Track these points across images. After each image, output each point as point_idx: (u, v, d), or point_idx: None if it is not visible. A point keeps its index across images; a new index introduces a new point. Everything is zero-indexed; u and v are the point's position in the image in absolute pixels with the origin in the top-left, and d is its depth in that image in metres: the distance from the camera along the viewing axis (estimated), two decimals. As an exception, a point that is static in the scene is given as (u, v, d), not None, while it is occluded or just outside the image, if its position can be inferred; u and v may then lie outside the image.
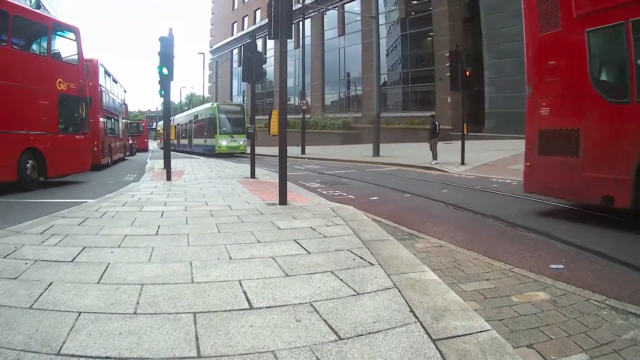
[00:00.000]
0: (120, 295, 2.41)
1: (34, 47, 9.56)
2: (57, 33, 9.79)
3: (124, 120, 22.71)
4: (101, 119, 15.31)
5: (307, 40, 31.60)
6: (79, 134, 10.45)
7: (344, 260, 3.16)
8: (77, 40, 10.28)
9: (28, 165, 8.44)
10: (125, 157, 22.72)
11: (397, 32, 30.57)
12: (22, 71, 8.36)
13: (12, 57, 8.16)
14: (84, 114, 10.52)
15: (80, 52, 10.38)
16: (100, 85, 15.43)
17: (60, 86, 9.49)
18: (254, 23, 42.85)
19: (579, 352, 2.11)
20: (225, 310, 2.24)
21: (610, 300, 2.71)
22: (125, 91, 23.31)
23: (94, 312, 2.17)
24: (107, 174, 13.23)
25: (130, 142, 26.74)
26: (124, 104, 23.10)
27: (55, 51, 9.65)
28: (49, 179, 9.29)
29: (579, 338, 2.24)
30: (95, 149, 13.82)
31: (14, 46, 8.27)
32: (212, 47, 53.52)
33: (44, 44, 9.47)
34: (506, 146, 17.12)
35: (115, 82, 19.66)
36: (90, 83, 13.22)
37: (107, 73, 17.10)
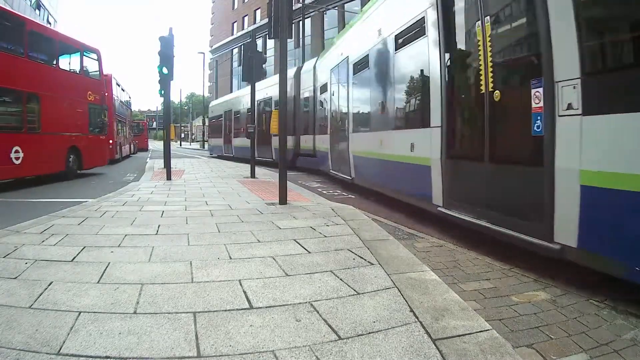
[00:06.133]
0: (120, 295, 2.41)
1: (72, 66, 11.82)
2: (85, 54, 12.16)
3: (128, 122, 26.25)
4: (114, 123, 18.38)
5: (307, 40, 31.54)
6: (102, 135, 13.12)
7: (343, 259, 3.16)
8: (99, 59, 12.80)
9: (70, 159, 10.93)
10: (131, 155, 25.59)
11: (398, 32, 30.41)
12: (65, 86, 10.82)
13: (59, 76, 10.72)
14: (105, 119, 13.36)
15: (101, 69, 12.99)
16: (114, 95, 18.59)
17: (89, 97, 12.12)
18: (254, 23, 42.80)
19: (579, 352, 2.11)
20: (225, 310, 2.24)
21: (610, 301, 2.71)
22: (130, 97, 26.83)
23: (94, 312, 2.17)
24: (107, 174, 13.24)
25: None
26: (129, 108, 26.96)
27: (86, 69, 12.20)
28: (84, 170, 11.86)
29: (579, 338, 2.24)
30: (111, 147, 16.92)
31: (60, 67, 10.88)
32: (212, 46, 53.48)
33: (77, 63, 11.90)
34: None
35: (123, 90, 23.02)
36: (106, 94, 15.91)
37: (117, 84, 20.20)
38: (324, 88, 11.02)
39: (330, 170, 10.05)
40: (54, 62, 10.54)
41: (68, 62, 11.48)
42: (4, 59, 8.58)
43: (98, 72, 12.84)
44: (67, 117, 10.79)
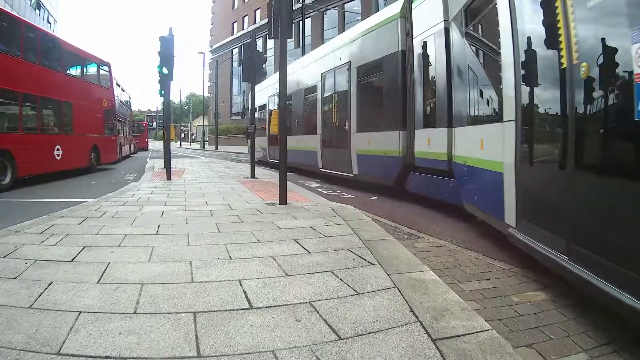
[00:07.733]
0: (120, 295, 2.41)
1: (92, 77, 13.82)
2: (100, 67, 14.32)
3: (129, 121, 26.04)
4: (115, 123, 19.10)
5: (307, 40, 31.53)
6: (112, 135, 15.39)
7: (343, 259, 3.16)
8: (109, 70, 14.98)
9: (92, 156, 13.02)
10: (131, 155, 25.38)
11: (398, 32, 30.27)
12: (88, 95, 13.00)
13: (84, 86, 12.95)
14: (115, 122, 15.89)
15: (111, 79, 15.30)
16: (114, 95, 19.15)
17: (104, 104, 14.33)
18: (254, 23, 42.81)
19: (579, 352, 2.11)
20: (225, 310, 2.24)
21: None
22: (130, 97, 26.96)
23: (94, 312, 2.17)
24: (107, 174, 13.25)
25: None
26: (129, 108, 26.70)
27: (101, 79, 14.31)
28: (101, 165, 13.83)
29: (579, 338, 2.24)
30: None
31: (85, 79, 13.13)
32: (212, 46, 53.48)
33: (95, 75, 14.09)
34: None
35: (123, 91, 23.20)
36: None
37: (117, 84, 20.56)
38: (474, 13, 4.75)
39: (516, 231, 3.41)
40: (81, 75, 12.85)
41: (87, 74, 13.58)
42: (48, 74, 10.60)
43: (109, 82, 15.27)
44: (90, 120, 13.06)
